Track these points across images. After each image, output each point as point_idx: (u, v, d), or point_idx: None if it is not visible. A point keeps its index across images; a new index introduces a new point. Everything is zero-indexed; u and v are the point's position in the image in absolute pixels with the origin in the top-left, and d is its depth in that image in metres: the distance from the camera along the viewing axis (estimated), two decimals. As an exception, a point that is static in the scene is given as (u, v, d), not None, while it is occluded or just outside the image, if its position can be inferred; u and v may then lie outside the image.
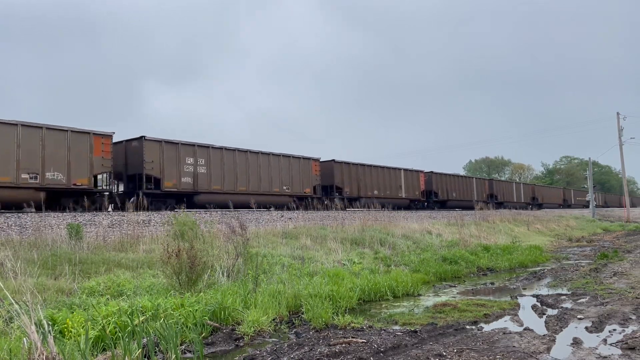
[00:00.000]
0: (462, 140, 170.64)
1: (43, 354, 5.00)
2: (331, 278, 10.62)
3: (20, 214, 14.41)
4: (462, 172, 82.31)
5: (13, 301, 6.05)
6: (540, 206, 55.03)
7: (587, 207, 61.35)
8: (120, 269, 10.70)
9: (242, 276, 10.20)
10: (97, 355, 5.93)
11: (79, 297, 8.17)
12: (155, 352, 6.01)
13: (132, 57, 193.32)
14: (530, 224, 34.07)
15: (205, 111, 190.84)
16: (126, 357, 5.38)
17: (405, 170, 35.05)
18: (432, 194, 37.91)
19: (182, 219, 13.63)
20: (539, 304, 9.58)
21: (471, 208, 38.02)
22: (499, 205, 45.15)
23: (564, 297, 10.12)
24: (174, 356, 5.74)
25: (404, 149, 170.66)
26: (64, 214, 15.29)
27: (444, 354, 6.02)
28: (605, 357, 5.89)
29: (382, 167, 33.14)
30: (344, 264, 13.55)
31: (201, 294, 8.40)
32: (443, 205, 38.75)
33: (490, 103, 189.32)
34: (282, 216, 21.59)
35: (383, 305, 9.93)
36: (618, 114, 50.91)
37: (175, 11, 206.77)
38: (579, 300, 9.62)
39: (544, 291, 11.15)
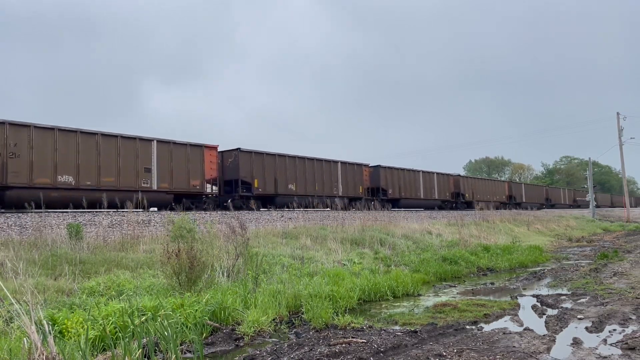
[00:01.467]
0: (463, 140, 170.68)
1: (43, 354, 5.00)
2: (331, 278, 10.62)
3: (20, 214, 14.40)
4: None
5: (13, 301, 6.05)
6: (468, 205, 40.55)
7: (541, 207, 54.86)
8: (120, 269, 10.70)
9: (242, 276, 10.20)
10: (97, 355, 5.93)
11: (79, 297, 8.18)
12: (155, 352, 6.01)
13: (132, 56, 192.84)
14: (530, 224, 34.09)
15: (205, 111, 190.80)
16: (126, 357, 5.38)
17: (191, 145, 20.97)
18: (235, 185, 23.03)
19: (180, 221, 13.61)
20: (539, 304, 9.58)
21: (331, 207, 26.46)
22: (394, 203, 32.35)
23: (564, 297, 10.13)
24: (174, 356, 5.74)
25: (404, 149, 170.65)
26: (64, 213, 15.29)
27: (444, 354, 6.02)
28: (605, 357, 5.89)
29: (169, 142, 20.13)
30: (344, 264, 13.55)
31: (201, 294, 8.40)
32: (267, 202, 24.20)
33: (491, 103, 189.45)
34: (282, 216, 21.59)
35: (383, 305, 9.93)
36: (618, 114, 50.97)
37: (175, 10, 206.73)
38: (579, 301, 9.62)
39: (544, 291, 11.15)
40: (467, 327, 7.72)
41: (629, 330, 7.13)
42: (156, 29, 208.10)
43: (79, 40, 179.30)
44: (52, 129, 16.71)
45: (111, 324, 6.52)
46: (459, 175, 42.66)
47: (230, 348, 6.91)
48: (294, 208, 23.47)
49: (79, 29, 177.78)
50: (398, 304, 10.09)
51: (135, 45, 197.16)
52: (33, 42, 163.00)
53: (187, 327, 7.04)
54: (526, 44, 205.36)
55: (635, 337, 6.55)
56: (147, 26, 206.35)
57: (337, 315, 8.25)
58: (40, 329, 5.35)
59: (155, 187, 19.27)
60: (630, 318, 7.86)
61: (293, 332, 7.72)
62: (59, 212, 15.69)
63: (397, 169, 33.79)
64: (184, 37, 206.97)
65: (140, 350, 5.58)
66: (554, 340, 6.74)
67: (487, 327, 7.73)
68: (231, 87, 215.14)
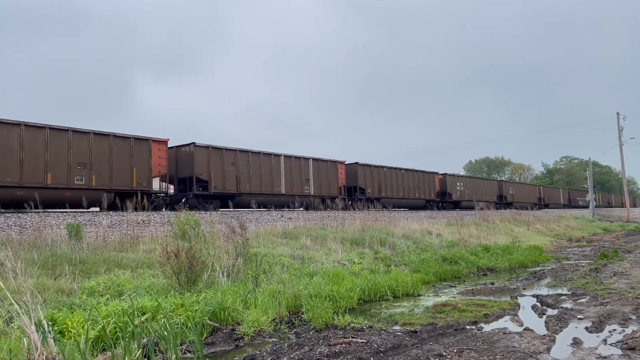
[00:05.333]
0: (463, 140, 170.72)
1: (43, 354, 4.99)
2: (331, 278, 10.62)
3: (20, 214, 14.40)
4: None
5: (13, 301, 6.05)
6: (372, 202, 29.23)
7: (497, 207, 41.56)
8: (120, 269, 10.70)
9: (242, 276, 10.20)
10: (97, 355, 5.93)
11: (79, 297, 8.18)
12: (155, 352, 6.00)
13: (122, 50, 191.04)
14: (531, 224, 34.09)
15: (203, 108, 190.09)
16: (126, 358, 5.38)
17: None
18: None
19: (185, 218, 13.63)
20: (539, 304, 9.58)
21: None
22: (225, 201, 22.28)
23: (564, 297, 10.13)
24: (174, 356, 5.74)
25: (403, 148, 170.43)
26: (64, 213, 15.28)
27: (444, 354, 6.01)
28: (605, 357, 5.89)
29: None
30: (344, 264, 13.54)
31: (201, 294, 8.40)
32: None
33: (491, 102, 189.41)
34: (282, 216, 21.58)
35: (383, 306, 9.93)
36: (618, 114, 50.99)
37: (172, 3, 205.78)
38: (579, 301, 9.62)
39: (544, 291, 11.15)
40: (467, 327, 7.71)
41: (629, 330, 7.13)
42: (148, 22, 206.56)
43: (63, 32, 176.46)
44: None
45: (111, 324, 6.51)
46: (357, 163, 30.07)
47: (230, 348, 6.91)
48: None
49: (62, 21, 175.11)
50: (398, 304, 10.09)
51: (125, 39, 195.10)
52: (14, 33, 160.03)
53: (187, 327, 7.04)
54: (527, 44, 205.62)
55: (635, 337, 6.54)
56: (137, 19, 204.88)
57: (337, 315, 8.25)
58: (40, 329, 5.35)
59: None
60: (630, 318, 7.86)
61: (293, 332, 7.72)
62: (59, 212, 15.68)
63: (242, 151, 22.57)
64: (177, 31, 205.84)
65: (140, 350, 5.57)
66: (554, 340, 6.74)
67: (487, 327, 7.73)
68: (228, 82, 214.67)
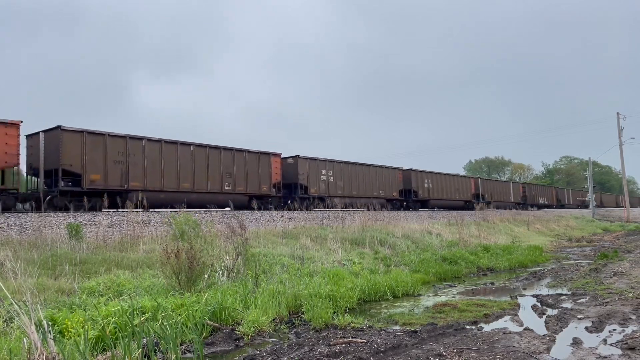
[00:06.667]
0: (464, 140, 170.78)
1: (43, 354, 4.99)
2: (331, 278, 10.62)
3: (20, 214, 14.39)
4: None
5: (13, 301, 6.05)
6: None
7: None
8: (120, 269, 10.69)
9: (242, 276, 10.20)
10: (97, 355, 5.92)
11: (79, 297, 8.17)
12: (155, 352, 6.00)
13: (119, 48, 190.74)
14: (530, 224, 34.10)
15: (203, 108, 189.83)
16: (126, 357, 5.38)
17: None
18: None
19: (183, 218, 13.61)
20: (539, 304, 9.58)
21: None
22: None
23: (564, 297, 10.13)
24: (174, 356, 5.74)
25: (403, 148, 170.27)
26: (64, 214, 15.28)
27: (444, 354, 6.01)
28: (605, 357, 5.89)
29: None
30: (344, 264, 13.54)
31: (201, 294, 8.40)
32: None
33: (491, 102, 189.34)
34: (282, 216, 21.58)
35: (383, 305, 9.93)
36: (618, 114, 50.97)
37: (171, 2, 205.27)
38: (579, 300, 9.62)
39: (544, 291, 11.15)
40: (467, 327, 7.72)
41: (629, 330, 7.13)
42: (147, 22, 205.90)
43: (63, 32, 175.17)
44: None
45: (111, 324, 6.51)
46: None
47: (230, 348, 6.91)
48: None
49: (62, 21, 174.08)
50: (398, 304, 10.09)
51: (124, 39, 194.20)
52: (13, 33, 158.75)
53: (187, 327, 7.05)
54: (527, 44, 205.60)
55: (635, 337, 6.54)
56: (137, 18, 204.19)
57: (337, 315, 8.25)
58: (40, 329, 5.35)
59: None
60: (630, 318, 7.86)
61: (293, 332, 7.72)
62: (59, 212, 15.68)
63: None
64: (176, 30, 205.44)
65: (140, 350, 5.57)
66: (554, 340, 6.75)
67: (487, 327, 7.73)
68: (228, 82, 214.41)
